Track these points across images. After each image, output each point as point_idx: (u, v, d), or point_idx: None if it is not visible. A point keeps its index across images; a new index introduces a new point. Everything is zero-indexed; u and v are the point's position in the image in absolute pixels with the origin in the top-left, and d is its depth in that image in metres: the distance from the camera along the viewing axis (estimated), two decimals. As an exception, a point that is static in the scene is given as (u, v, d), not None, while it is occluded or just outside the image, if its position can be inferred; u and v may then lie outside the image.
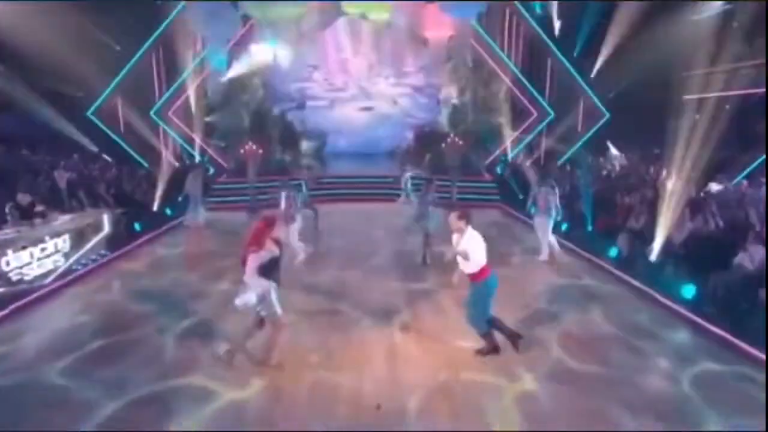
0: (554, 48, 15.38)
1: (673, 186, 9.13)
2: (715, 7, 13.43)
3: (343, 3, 15.05)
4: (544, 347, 5.43)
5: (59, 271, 7.54)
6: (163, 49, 15.24)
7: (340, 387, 4.62)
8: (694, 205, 8.17)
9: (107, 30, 13.80)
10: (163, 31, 14.83)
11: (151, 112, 15.11)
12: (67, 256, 7.76)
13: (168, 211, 11.29)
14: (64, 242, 7.72)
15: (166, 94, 15.27)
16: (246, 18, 15.80)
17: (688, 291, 6.54)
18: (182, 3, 14.46)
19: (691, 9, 13.59)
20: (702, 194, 9.79)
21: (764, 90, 11.90)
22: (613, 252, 8.31)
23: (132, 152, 14.72)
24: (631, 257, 8.01)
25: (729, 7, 13.13)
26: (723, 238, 7.31)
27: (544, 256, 8.45)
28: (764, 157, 12.07)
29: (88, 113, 14.49)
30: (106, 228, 8.82)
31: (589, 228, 9.44)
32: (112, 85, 14.63)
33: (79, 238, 8.06)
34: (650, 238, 7.99)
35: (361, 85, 20.18)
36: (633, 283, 7.33)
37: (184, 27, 15.02)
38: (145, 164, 14.42)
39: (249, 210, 12.34)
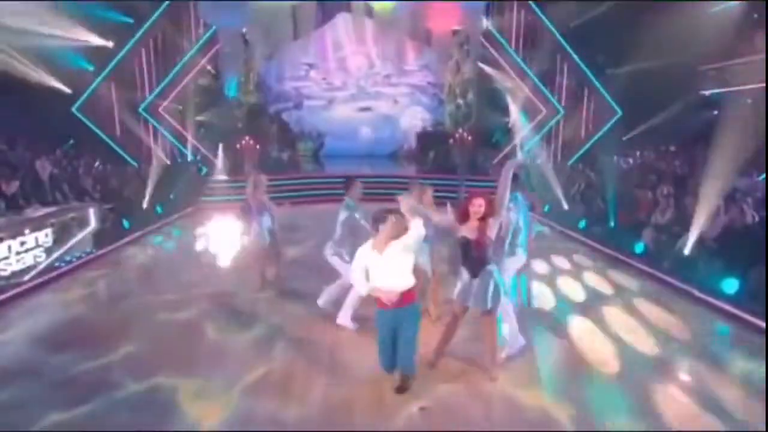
0: (565, 43, 15.21)
1: (700, 180, 8.88)
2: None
3: None
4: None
5: (40, 267, 7.10)
6: (155, 44, 14.93)
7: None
8: (728, 198, 7.90)
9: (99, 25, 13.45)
10: (152, 24, 14.55)
11: (140, 108, 14.74)
12: (49, 251, 7.32)
13: (159, 209, 10.90)
14: (46, 237, 7.29)
15: (156, 90, 14.92)
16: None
17: (730, 285, 6.22)
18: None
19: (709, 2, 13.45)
20: (732, 188, 9.53)
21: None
22: (639, 248, 8.00)
23: (119, 150, 14.31)
24: (660, 253, 7.71)
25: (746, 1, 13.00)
26: (761, 230, 7.01)
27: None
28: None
29: (74, 108, 14.09)
30: (93, 223, 8.39)
31: (611, 224, 9.15)
32: (98, 79, 14.27)
33: (62, 232, 7.63)
34: (678, 233, 7.75)
35: (360, 84, 19.94)
36: (667, 279, 7.01)
37: (176, 21, 14.79)
38: (134, 163, 14.01)
39: (243, 207, 11.91)
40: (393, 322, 4.03)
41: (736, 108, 11.83)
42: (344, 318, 5.39)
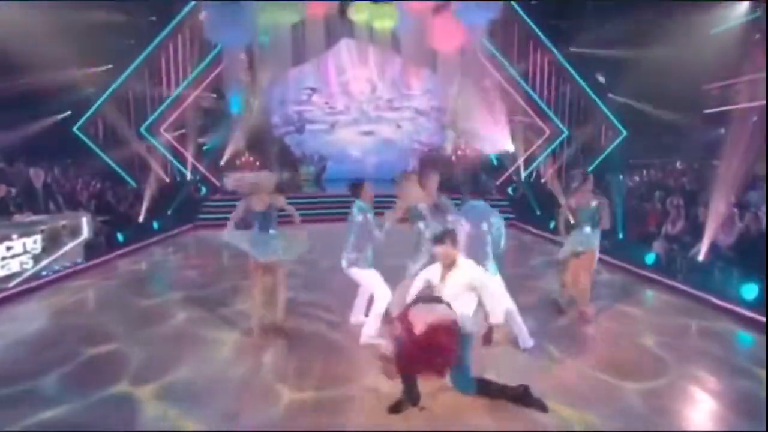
0: (568, 65, 15.34)
1: (709, 194, 8.74)
2: (736, 19, 13.47)
3: (348, 8, 15.00)
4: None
5: (26, 275, 6.89)
6: (156, 65, 15.09)
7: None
8: (742, 206, 7.71)
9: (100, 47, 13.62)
10: (153, 49, 14.72)
11: (142, 129, 14.78)
12: (36, 259, 7.12)
13: (155, 225, 10.75)
14: (34, 243, 7.10)
15: (158, 110, 15.00)
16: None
17: (750, 291, 5.94)
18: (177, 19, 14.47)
19: (710, 23, 13.63)
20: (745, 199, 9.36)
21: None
22: (650, 258, 7.75)
23: (118, 169, 14.28)
24: (673, 262, 7.47)
25: (750, 19, 13.17)
26: (778, 237, 6.78)
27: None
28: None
29: (75, 128, 14.15)
30: (85, 233, 8.21)
31: (620, 236, 8.92)
32: (99, 101, 14.35)
33: (52, 240, 7.44)
34: (690, 243, 7.55)
35: (363, 109, 20.08)
36: (682, 288, 6.74)
37: (178, 43, 15.00)
38: (133, 182, 13.95)
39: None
40: None
41: (742, 125, 11.80)
42: (366, 335, 4.97)
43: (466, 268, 3.73)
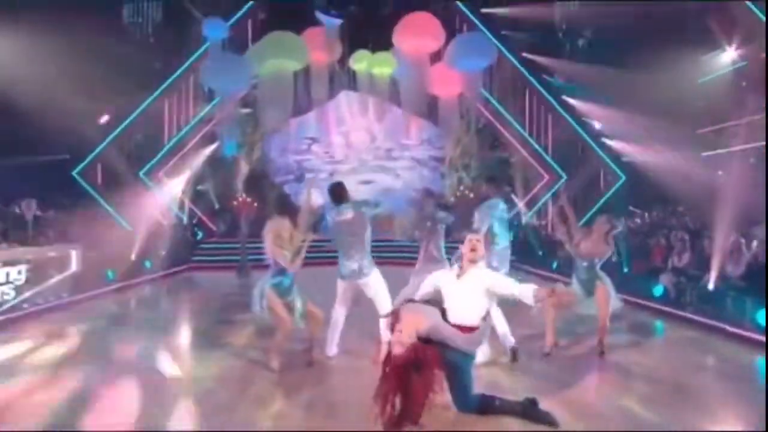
0: (564, 113, 15.72)
1: (713, 232, 8.68)
2: (722, 68, 13.92)
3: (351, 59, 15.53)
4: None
5: (6, 306, 6.64)
6: (158, 111, 15.44)
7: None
8: (748, 235, 7.62)
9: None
10: (158, 95, 15.11)
11: (141, 173, 14.89)
12: (19, 290, 6.89)
13: (147, 264, 10.58)
14: (18, 273, 6.91)
15: (158, 156, 15.19)
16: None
17: (764, 317, 5.71)
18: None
19: (698, 71, 14.10)
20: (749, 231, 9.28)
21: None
22: (658, 291, 7.56)
23: (115, 214, 14.22)
24: (682, 294, 7.27)
25: (736, 67, 13.61)
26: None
27: None
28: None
29: (74, 173, 14.26)
30: (74, 266, 8.02)
31: (625, 271, 8.76)
32: (100, 147, 14.52)
33: (38, 271, 7.25)
34: (698, 276, 7.41)
35: (362, 158, 20.35)
36: (693, 318, 6.51)
37: (181, 92, 15.37)
38: (129, 227, 13.75)
39: (239, 270, 11.56)
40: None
41: (741, 167, 11.93)
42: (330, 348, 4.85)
43: (486, 269, 3.79)
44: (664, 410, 3.74)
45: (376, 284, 4.84)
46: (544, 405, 3.56)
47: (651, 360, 5.16)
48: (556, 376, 4.47)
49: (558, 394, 4.00)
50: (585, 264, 5.20)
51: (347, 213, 4.92)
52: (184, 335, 6.41)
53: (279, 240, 4.65)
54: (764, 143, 12.44)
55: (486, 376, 4.32)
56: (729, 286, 6.84)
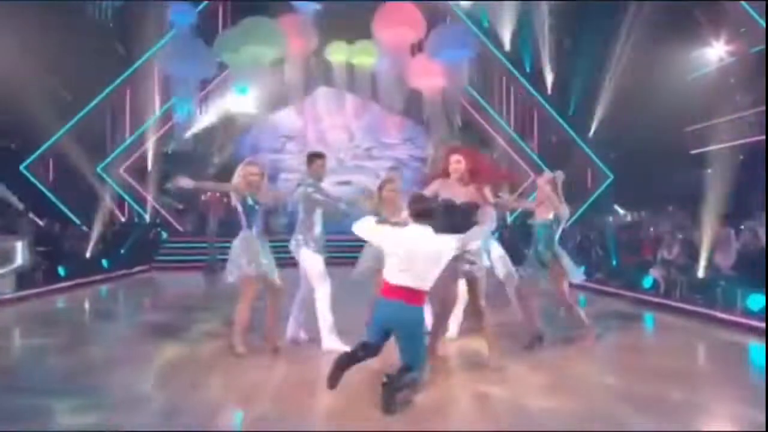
0: (549, 107, 15.87)
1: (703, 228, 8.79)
2: (711, 65, 14.22)
3: (328, 49, 15.30)
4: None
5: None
6: (120, 102, 15.04)
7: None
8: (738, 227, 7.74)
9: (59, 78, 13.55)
10: (120, 83, 14.71)
11: (98, 168, 14.43)
12: (-44, 282, 6.56)
13: (105, 263, 10.23)
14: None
15: (117, 150, 14.79)
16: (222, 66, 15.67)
17: (756, 302, 5.76)
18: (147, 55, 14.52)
19: (687, 69, 14.41)
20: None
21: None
22: (647, 282, 7.62)
23: (68, 212, 13.75)
24: (673, 285, 7.33)
25: (724, 65, 13.93)
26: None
27: None
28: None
29: (22, 167, 13.76)
30: (19, 260, 7.66)
31: (614, 264, 8.81)
32: (53, 138, 14.00)
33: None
34: (687, 266, 7.48)
35: (340, 158, 20.14)
36: (683, 307, 6.54)
37: (145, 81, 14.94)
38: (82, 225, 13.24)
39: (207, 270, 11.23)
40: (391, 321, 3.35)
41: (731, 164, 12.15)
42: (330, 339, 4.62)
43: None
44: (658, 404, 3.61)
45: (303, 265, 4.81)
46: (533, 400, 3.49)
47: (644, 350, 5.19)
48: (549, 364, 4.39)
49: (546, 386, 3.86)
50: (543, 232, 4.95)
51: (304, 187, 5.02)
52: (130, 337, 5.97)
53: (249, 186, 4.58)
54: (754, 140, 12.76)
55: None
56: (719, 276, 6.90)
